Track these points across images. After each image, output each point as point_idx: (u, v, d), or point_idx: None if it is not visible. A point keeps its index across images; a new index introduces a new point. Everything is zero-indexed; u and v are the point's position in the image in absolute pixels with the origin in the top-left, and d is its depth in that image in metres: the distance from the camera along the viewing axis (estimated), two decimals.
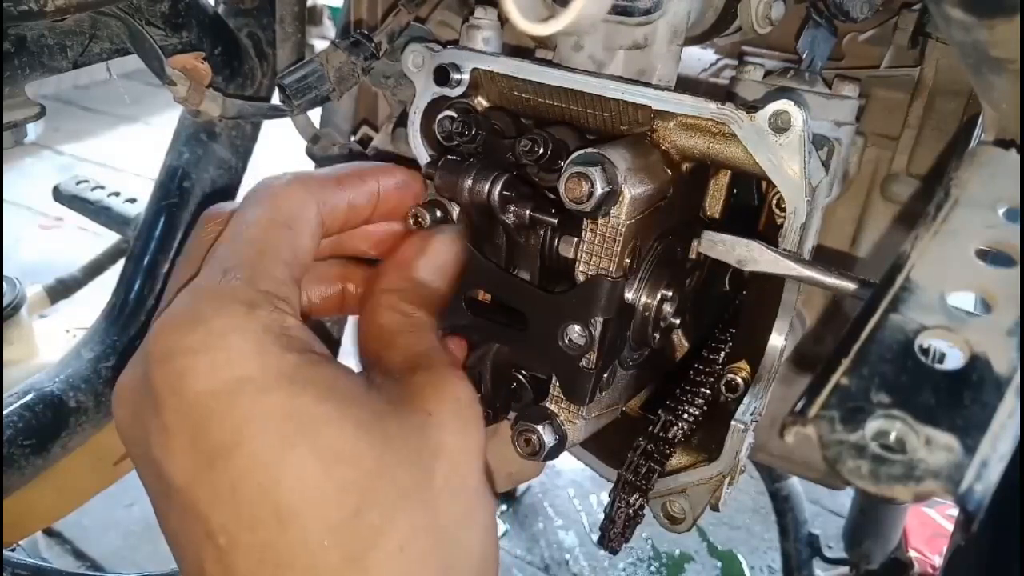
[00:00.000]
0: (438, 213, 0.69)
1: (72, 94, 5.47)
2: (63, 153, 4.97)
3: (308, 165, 1.06)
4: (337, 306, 0.70)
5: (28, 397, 1.09)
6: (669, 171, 0.66)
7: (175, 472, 0.48)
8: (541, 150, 0.62)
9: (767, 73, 0.82)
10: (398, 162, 0.72)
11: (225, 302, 0.49)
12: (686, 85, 0.74)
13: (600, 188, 0.58)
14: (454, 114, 0.67)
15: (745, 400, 0.67)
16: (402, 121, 1.10)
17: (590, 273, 0.62)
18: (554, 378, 0.66)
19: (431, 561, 0.48)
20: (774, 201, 0.70)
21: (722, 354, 0.77)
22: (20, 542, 1.64)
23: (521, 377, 0.70)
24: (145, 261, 1.22)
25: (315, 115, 1.12)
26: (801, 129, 0.59)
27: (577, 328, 0.62)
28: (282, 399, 0.47)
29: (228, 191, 1.25)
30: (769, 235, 0.71)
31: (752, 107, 0.60)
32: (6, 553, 1.17)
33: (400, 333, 0.60)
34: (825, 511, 2.57)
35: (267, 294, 0.51)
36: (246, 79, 1.13)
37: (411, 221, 0.69)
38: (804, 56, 0.84)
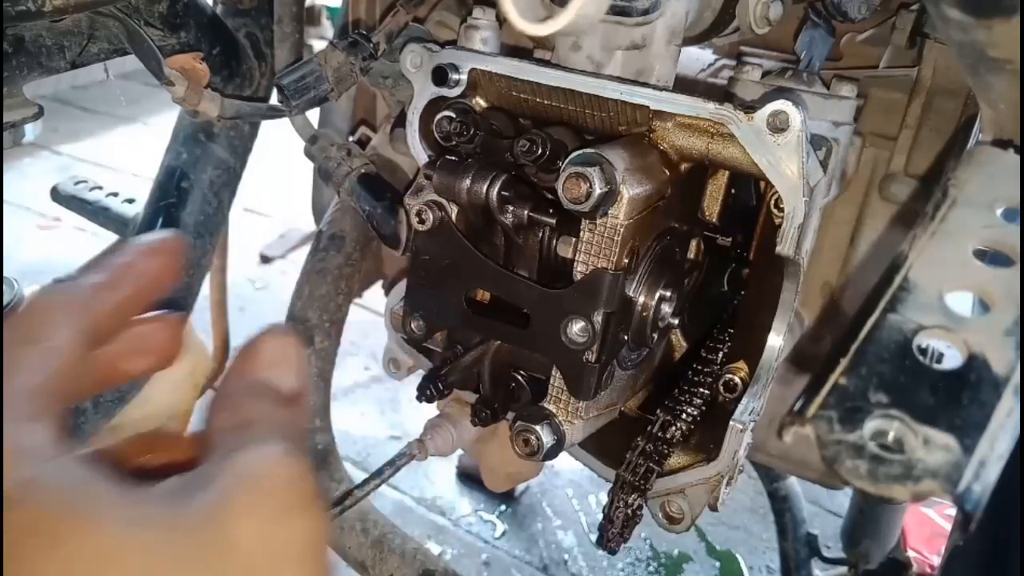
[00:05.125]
0: (438, 212, 0.69)
1: (70, 94, 5.46)
2: (61, 153, 4.96)
3: (307, 165, 1.06)
4: None
5: None
6: (667, 171, 0.66)
7: None
8: (539, 150, 0.62)
9: (765, 73, 0.82)
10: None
11: None
12: (684, 85, 0.74)
13: (598, 188, 0.58)
14: (452, 114, 0.67)
15: (743, 400, 0.67)
16: (400, 121, 1.10)
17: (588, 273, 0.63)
18: (553, 377, 0.66)
19: None
20: (772, 201, 0.70)
21: (720, 354, 0.77)
22: None
23: (519, 377, 0.70)
24: None
25: (313, 115, 1.11)
26: (799, 129, 0.59)
27: (580, 322, 0.62)
28: None
29: (226, 191, 1.25)
30: (767, 235, 0.71)
31: (750, 107, 0.60)
32: None
33: (221, 431, 0.55)
34: (823, 511, 2.57)
35: (9, 419, 0.55)
36: (244, 79, 1.13)
37: (415, 220, 0.69)
38: (802, 56, 0.84)
